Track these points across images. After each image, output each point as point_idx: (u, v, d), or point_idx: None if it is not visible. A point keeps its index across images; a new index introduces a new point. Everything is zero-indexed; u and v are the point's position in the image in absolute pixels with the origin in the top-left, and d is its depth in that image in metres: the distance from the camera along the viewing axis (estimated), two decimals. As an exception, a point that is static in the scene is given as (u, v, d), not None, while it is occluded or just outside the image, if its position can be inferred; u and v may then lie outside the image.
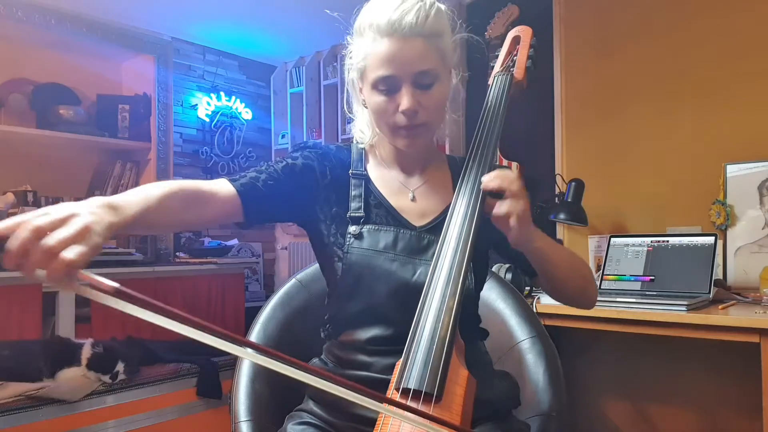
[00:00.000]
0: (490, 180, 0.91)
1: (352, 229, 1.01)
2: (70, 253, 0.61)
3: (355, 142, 1.15)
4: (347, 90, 1.10)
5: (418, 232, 1.02)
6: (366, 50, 0.97)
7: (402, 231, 1.01)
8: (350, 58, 1.03)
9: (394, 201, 1.06)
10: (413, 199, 1.07)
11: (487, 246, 1.07)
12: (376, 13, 0.95)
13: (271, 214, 1.04)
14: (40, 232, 0.62)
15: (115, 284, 0.60)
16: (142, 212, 0.80)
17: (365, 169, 1.08)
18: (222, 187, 0.97)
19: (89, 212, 0.68)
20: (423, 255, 0.99)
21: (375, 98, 0.98)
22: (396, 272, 0.98)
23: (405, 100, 0.95)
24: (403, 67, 0.95)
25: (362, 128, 1.11)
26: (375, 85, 0.97)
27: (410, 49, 0.94)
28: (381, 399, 0.73)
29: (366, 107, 1.05)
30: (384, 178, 1.08)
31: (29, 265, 0.61)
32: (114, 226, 0.72)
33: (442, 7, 0.99)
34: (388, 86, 0.96)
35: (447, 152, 2.94)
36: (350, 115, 1.14)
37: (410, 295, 0.94)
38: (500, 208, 0.89)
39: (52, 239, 0.62)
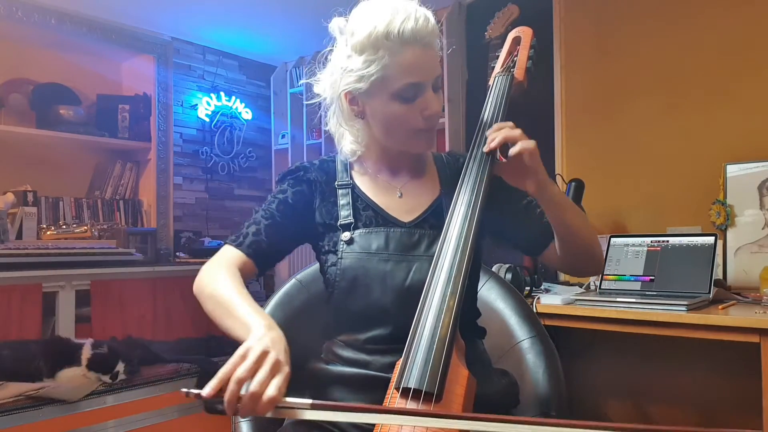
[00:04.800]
0: (493, 134, 0.97)
1: (344, 235, 1.03)
2: (271, 391, 0.74)
3: (339, 152, 1.12)
4: (330, 108, 1.08)
5: (408, 229, 1.03)
6: (384, 62, 0.96)
7: (392, 230, 1.03)
8: (349, 72, 0.99)
9: (381, 200, 1.07)
10: (401, 196, 1.08)
11: (481, 237, 1.07)
12: (390, 24, 0.95)
13: (281, 256, 1.10)
14: (243, 382, 0.74)
15: (309, 401, 0.73)
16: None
17: (351, 177, 1.10)
18: (241, 257, 1.03)
19: (273, 343, 0.80)
20: (415, 251, 1.01)
21: (396, 107, 0.98)
22: (390, 272, 0.99)
23: (434, 104, 0.99)
24: (428, 72, 0.98)
25: (357, 140, 1.08)
26: (398, 94, 0.97)
27: (430, 55, 0.99)
28: (378, 410, 0.75)
29: (361, 118, 1.04)
30: (370, 180, 1.10)
31: (244, 411, 0.74)
32: (287, 346, 0.83)
33: None
34: (413, 93, 0.98)
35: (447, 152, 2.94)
36: (344, 127, 1.09)
37: (406, 294, 0.96)
38: (513, 149, 0.94)
39: (254, 384, 0.74)
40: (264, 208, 1.09)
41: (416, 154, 1.08)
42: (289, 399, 0.74)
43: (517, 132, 0.96)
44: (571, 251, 1.06)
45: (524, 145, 0.94)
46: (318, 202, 1.08)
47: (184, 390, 0.75)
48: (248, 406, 0.73)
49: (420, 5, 0.99)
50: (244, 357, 0.77)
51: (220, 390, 0.74)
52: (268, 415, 0.74)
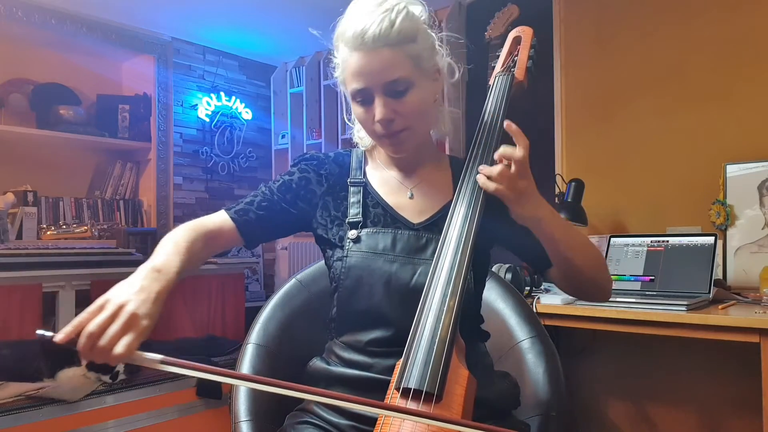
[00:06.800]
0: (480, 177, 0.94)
1: (351, 233, 1.02)
2: (120, 348, 0.74)
3: (355, 146, 1.17)
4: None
5: (416, 231, 1.03)
6: (342, 64, 1.00)
7: (400, 231, 1.02)
8: (335, 70, 1.05)
9: (392, 200, 1.07)
10: (411, 197, 1.08)
11: (488, 245, 1.07)
12: (344, 26, 0.97)
13: (270, 233, 1.10)
14: (95, 337, 0.74)
15: (160, 356, 0.75)
16: (182, 266, 0.90)
17: (364, 174, 1.10)
18: (223, 219, 1.05)
19: (135, 292, 0.80)
20: (422, 254, 1.00)
21: (355, 109, 1.02)
22: (396, 273, 0.98)
23: (378, 111, 0.97)
24: (372, 78, 0.95)
25: (360, 134, 1.13)
26: (353, 97, 1.00)
27: (377, 60, 0.94)
28: (381, 406, 0.75)
29: None
30: (383, 178, 1.10)
31: (96, 360, 0.76)
32: (162, 293, 0.83)
33: (416, 9, 0.98)
34: (362, 98, 0.99)
35: (447, 152, 2.94)
36: (348, 122, 1.17)
37: (410, 297, 0.95)
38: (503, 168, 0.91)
39: (103, 340, 0.74)
40: (267, 185, 1.11)
41: (396, 156, 1.05)
42: (143, 353, 0.76)
43: (491, 186, 0.91)
44: (569, 280, 1.03)
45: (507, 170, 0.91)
46: (324, 194, 1.09)
47: (39, 331, 0.76)
48: (99, 358, 0.75)
49: (398, 2, 0.95)
50: (101, 308, 0.77)
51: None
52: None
